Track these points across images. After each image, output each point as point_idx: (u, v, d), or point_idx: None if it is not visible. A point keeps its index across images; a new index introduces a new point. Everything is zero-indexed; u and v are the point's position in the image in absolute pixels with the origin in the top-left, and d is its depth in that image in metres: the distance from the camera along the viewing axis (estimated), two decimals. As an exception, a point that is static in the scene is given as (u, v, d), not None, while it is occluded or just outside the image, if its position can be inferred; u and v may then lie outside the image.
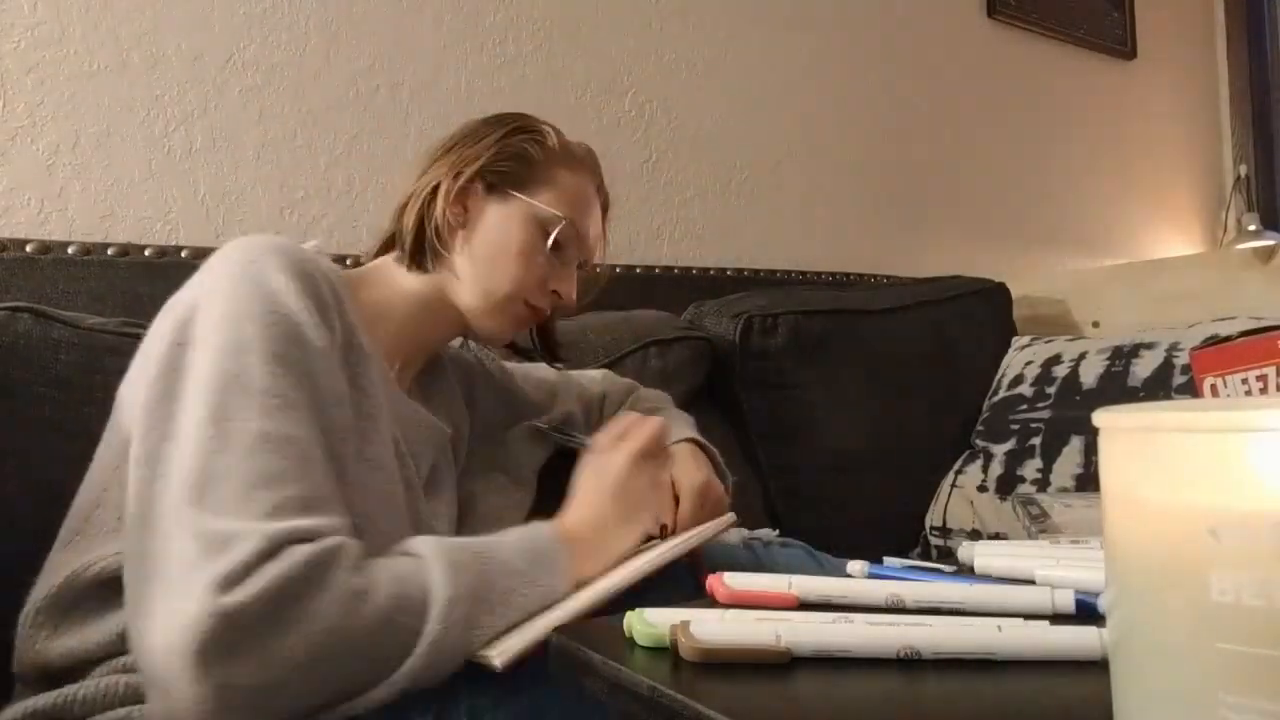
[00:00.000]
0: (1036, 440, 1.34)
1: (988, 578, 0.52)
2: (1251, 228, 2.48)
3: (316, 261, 0.65)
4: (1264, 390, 0.63)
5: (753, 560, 0.83)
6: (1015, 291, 1.73)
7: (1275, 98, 2.71)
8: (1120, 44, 2.44)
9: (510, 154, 0.79)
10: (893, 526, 1.38)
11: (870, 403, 1.40)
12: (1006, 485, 1.32)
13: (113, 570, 0.58)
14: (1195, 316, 1.41)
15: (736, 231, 1.69)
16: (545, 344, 0.91)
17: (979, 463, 1.38)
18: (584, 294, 0.85)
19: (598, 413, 1.01)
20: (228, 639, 0.47)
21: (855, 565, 0.54)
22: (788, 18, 1.80)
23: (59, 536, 0.64)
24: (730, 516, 0.81)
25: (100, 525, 0.61)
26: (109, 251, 1.06)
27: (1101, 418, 0.26)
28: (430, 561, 0.55)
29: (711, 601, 0.48)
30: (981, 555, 0.55)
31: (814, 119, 1.83)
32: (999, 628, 0.40)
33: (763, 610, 0.46)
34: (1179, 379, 1.27)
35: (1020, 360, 1.50)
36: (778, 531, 0.92)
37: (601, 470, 0.71)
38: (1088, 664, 0.37)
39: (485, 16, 1.42)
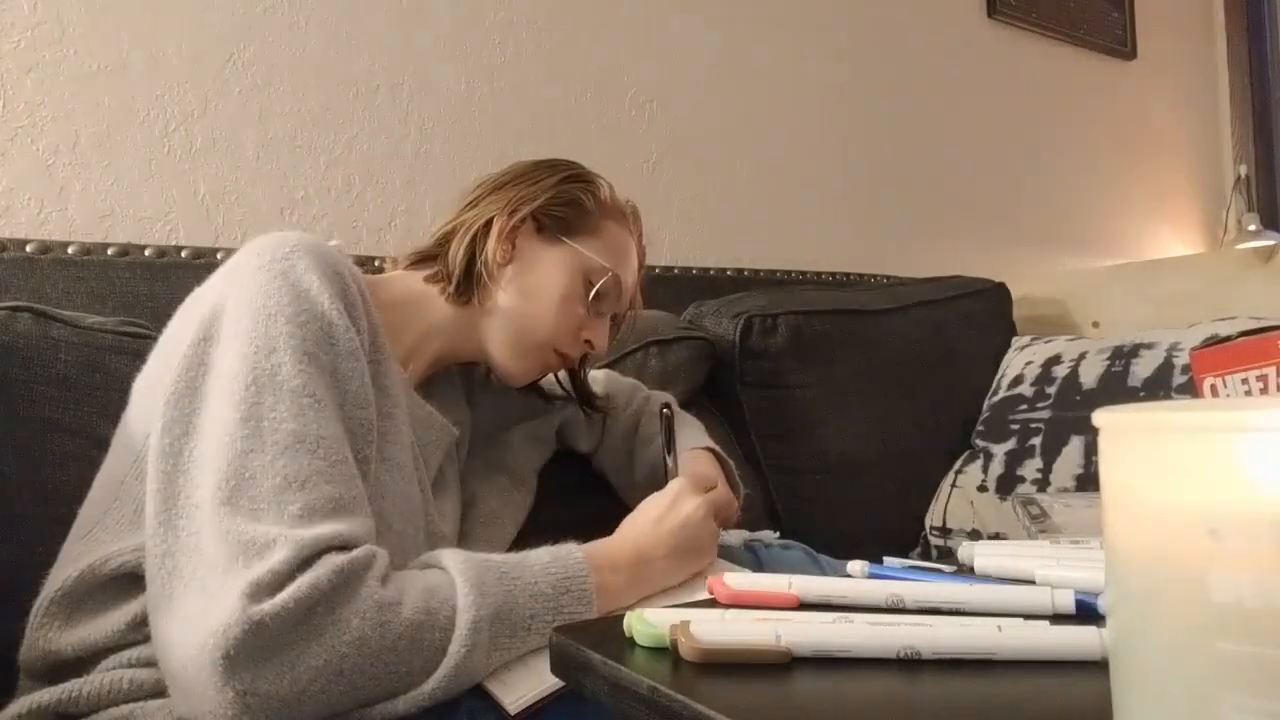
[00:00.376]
0: (1036, 440, 1.34)
1: (988, 578, 0.52)
2: (1251, 228, 2.48)
3: (345, 261, 0.65)
4: (1264, 390, 0.63)
5: (753, 561, 0.83)
6: (1015, 291, 1.73)
7: (1275, 98, 2.71)
8: (1120, 44, 2.44)
9: (566, 200, 0.79)
10: (893, 526, 1.37)
11: (870, 403, 1.40)
12: (1006, 485, 1.32)
13: (131, 566, 0.58)
14: (1195, 316, 1.41)
15: (736, 231, 1.69)
16: (580, 392, 0.92)
17: (979, 463, 1.38)
18: (614, 344, 0.86)
19: (599, 420, 1.00)
20: (256, 647, 0.47)
21: (855, 565, 0.54)
22: (788, 18, 1.80)
23: (74, 528, 0.64)
24: (732, 567, 0.79)
25: (117, 518, 0.61)
26: (109, 251, 1.06)
27: (1101, 418, 0.26)
28: (457, 579, 0.55)
29: (711, 601, 0.48)
30: (981, 555, 0.55)
31: (814, 119, 1.83)
32: (999, 628, 0.40)
33: (763, 610, 0.46)
34: (1179, 379, 1.27)
35: (1020, 360, 1.50)
36: (778, 533, 0.91)
37: (673, 504, 0.70)
38: (1088, 664, 0.37)
39: (485, 16, 1.42)
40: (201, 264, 1.09)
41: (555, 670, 0.44)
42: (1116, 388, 1.32)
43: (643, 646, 0.41)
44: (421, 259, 0.81)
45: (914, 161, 1.99)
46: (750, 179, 1.72)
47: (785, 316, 1.35)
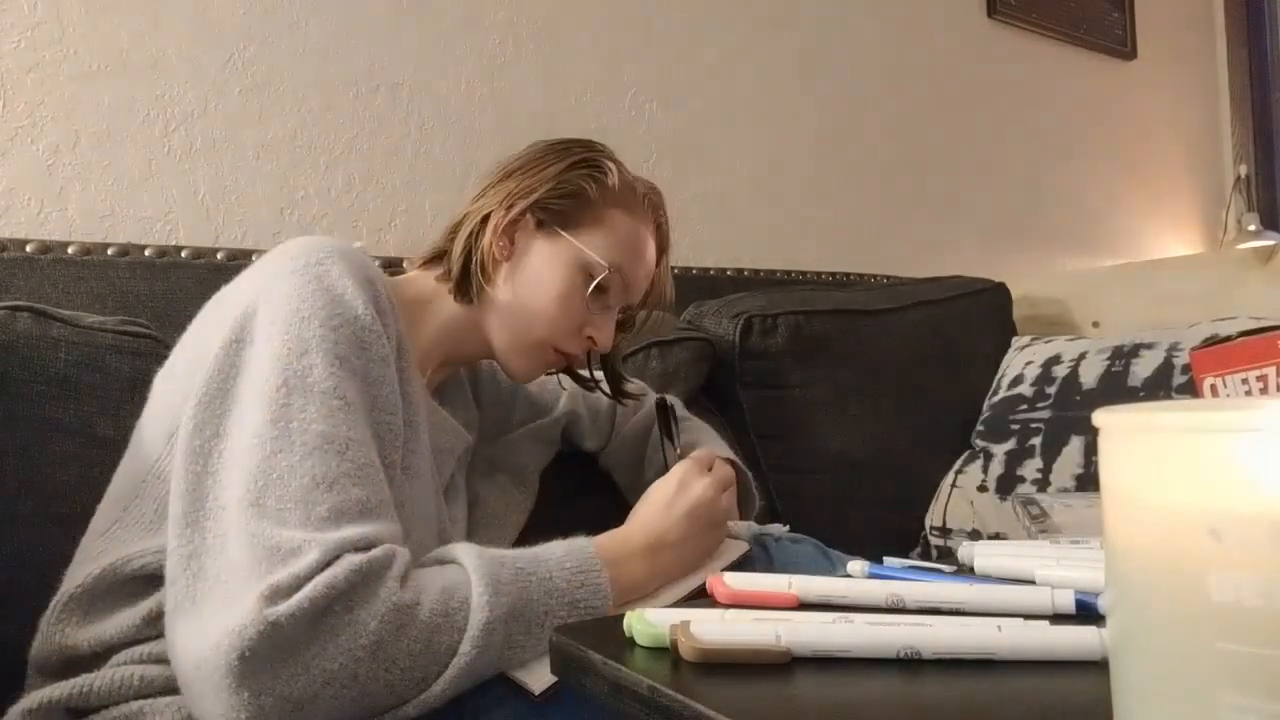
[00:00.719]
0: (1036, 440, 1.34)
1: (988, 578, 0.52)
2: (1251, 228, 2.48)
3: (375, 267, 0.65)
4: (1264, 390, 0.63)
5: (764, 556, 0.83)
6: (1015, 291, 1.73)
7: (1275, 98, 2.71)
8: (1120, 44, 2.44)
9: (566, 191, 0.76)
10: (893, 526, 1.37)
11: (870, 403, 1.40)
12: (1006, 485, 1.32)
13: (153, 568, 0.58)
14: (1195, 316, 1.41)
15: (736, 231, 1.69)
16: (611, 383, 0.89)
17: (979, 463, 1.38)
18: (630, 336, 0.84)
19: (607, 419, 1.00)
20: (271, 648, 0.47)
21: (855, 565, 0.54)
22: (788, 17, 1.80)
23: (92, 523, 0.64)
24: (742, 545, 0.79)
25: (138, 516, 0.61)
26: (109, 251, 1.06)
27: (1101, 418, 0.26)
28: (472, 575, 0.55)
29: (711, 601, 0.48)
30: (981, 555, 0.55)
31: (814, 119, 1.83)
32: (999, 628, 0.40)
33: (763, 610, 0.46)
34: (1179, 379, 1.27)
35: (1020, 360, 1.50)
36: (788, 527, 0.91)
37: (681, 486, 0.70)
38: (1088, 664, 0.37)
39: (485, 16, 1.42)
40: (201, 264, 1.09)
41: (555, 670, 0.44)
42: (1116, 388, 1.32)
43: (643, 646, 0.41)
44: (434, 257, 0.80)
45: (914, 162, 1.99)
46: (750, 179, 1.72)
47: (785, 316, 1.35)
